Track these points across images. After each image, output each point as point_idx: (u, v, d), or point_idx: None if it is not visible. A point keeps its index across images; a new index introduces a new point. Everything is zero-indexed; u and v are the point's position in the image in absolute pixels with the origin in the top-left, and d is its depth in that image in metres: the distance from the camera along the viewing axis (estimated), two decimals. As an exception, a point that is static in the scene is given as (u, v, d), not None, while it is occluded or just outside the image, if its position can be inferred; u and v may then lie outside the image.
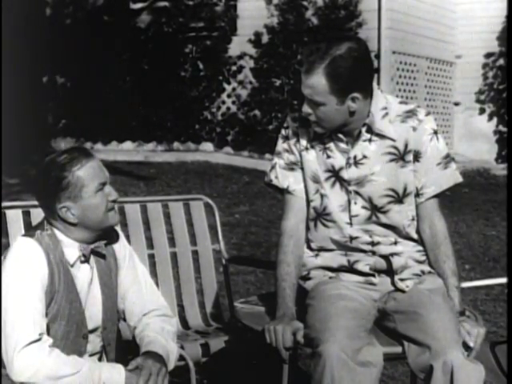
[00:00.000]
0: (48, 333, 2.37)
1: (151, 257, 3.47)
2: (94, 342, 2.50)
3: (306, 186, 2.77)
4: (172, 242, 3.53)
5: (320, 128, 2.68)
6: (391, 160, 2.70)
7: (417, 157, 2.71)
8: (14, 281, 2.34)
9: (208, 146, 11.32)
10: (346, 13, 10.95)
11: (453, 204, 8.09)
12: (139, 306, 2.58)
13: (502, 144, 12.25)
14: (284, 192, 2.80)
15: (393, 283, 2.72)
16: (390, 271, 2.73)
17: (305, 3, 11.13)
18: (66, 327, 2.42)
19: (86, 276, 2.48)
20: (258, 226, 7.18)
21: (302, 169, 2.76)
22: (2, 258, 2.41)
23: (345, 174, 2.70)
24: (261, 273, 5.49)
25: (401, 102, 2.76)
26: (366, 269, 2.71)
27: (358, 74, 2.59)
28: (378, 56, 10.84)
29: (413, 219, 2.75)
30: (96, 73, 11.60)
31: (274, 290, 2.74)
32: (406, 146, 2.70)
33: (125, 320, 2.62)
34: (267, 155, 10.06)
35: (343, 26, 10.82)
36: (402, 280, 2.71)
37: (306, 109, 2.65)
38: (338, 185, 2.72)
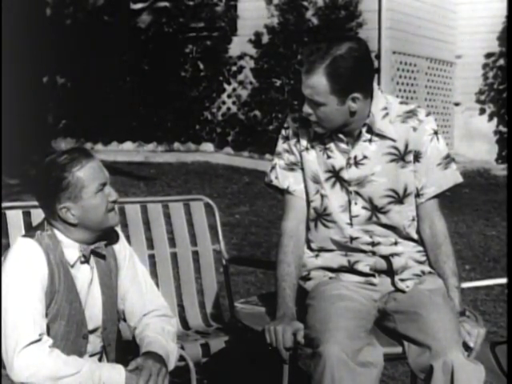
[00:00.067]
0: (48, 333, 2.37)
1: (151, 257, 3.47)
2: (94, 343, 2.50)
3: (306, 187, 2.77)
4: (172, 242, 3.53)
5: (320, 128, 2.68)
6: (391, 160, 2.70)
7: (417, 157, 2.71)
8: (14, 281, 2.34)
9: (208, 146, 11.32)
10: (346, 13, 10.95)
11: (453, 204, 8.09)
12: (139, 306, 2.58)
13: (502, 144, 12.24)
14: (284, 192, 2.80)
15: (393, 283, 2.72)
16: (390, 271, 2.73)
17: (305, 3, 11.12)
18: (66, 327, 2.42)
19: (86, 276, 2.48)
20: (259, 227, 7.18)
21: (303, 169, 2.76)
22: (2, 258, 2.41)
23: (345, 175, 2.70)
24: (261, 273, 5.49)
25: (401, 103, 2.76)
26: (367, 269, 2.71)
27: (358, 74, 2.59)
28: (378, 56, 10.84)
29: (413, 219, 2.75)
30: (96, 73, 11.60)
31: (274, 291, 2.74)
32: (407, 146, 2.70)
33: (125, 320, 2.62)
34: (267, 155, 10.06)
35: (343, 26, 10.82)
36: (402, 280, 2.71)
37: (307, 109, 2.65)
38: (338, 185, 2.72)
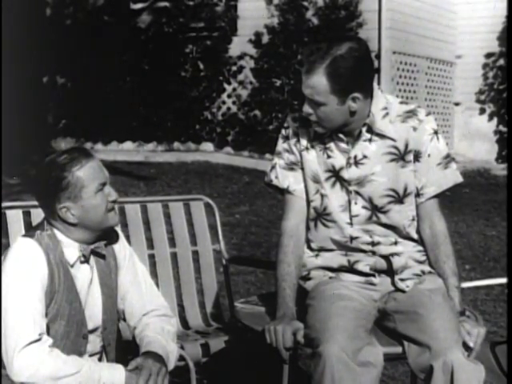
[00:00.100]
0: (48, 333, 2.37)
1: (151, 257, 3.47)
2: (94, 342, 2.50)
3: (306, 186, 2.77)
4: (172, 242, 3.53)
5: (320, 128, 2.68)
6: (391, 160, 2.70)
7: (417, 157, 2.71)
8: (13, 281, 2.34)
9: (208, 146, 11.32)
10: (346, 13, 10.95)
11: (453, 204, 8.09)
12: (139, 306, 2.58)
13: (502, 144, 12.24)
14: (284, 192, 2.80)
15: (393, 283, 2.72)
16: (390, 271, 2.73)
17: (305, 3, 11.12)
18: (66, 327, 2.42)
19: (85, 276, 2.48)
20: (259, 226, 7.18)
21: (303, 169, 2.76)
22: (2, 258, 2.41)
23: (345, 174, 2.70)
24: (261, 273, 5.49)
25: (401, 102, 2.76)
26: (367, 269, 2.71)
27: (358, 74, 2.60)
28: (378, 56, 10.84)
29: (413, 219, 2.75)
30: (96, 73, 11.59)
31: (274, 290, 2.74)
32: (407, 146, 2.70)
33: (125, 320, 2.62)
34: (267, 155, 10.06)
35: (343, 26, 10.82)
36: (402, 280, 2.71)
37: (307, 109, 2.65)
38: (338, 185, 2.72)
